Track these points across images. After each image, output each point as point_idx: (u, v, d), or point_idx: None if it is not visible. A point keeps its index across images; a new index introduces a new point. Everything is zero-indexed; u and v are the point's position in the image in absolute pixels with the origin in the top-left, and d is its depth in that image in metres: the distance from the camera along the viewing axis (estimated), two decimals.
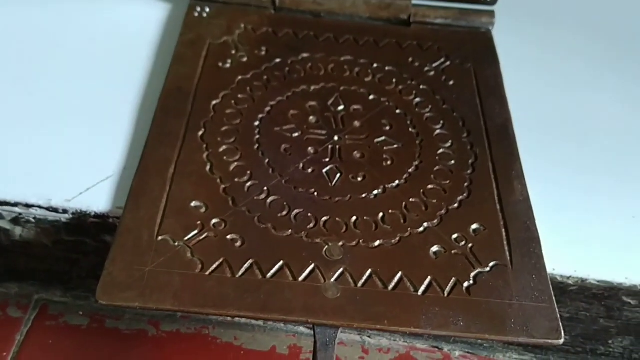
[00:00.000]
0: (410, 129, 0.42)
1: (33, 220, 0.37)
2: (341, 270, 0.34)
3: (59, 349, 0.40)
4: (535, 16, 0.54)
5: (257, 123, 0.41)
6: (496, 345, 0.43)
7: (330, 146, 0.41)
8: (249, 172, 0.38)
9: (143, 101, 0.43)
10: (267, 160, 0.39)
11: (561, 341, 0.32)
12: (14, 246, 0.38)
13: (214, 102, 0.42)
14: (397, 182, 0.39)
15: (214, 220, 0.35)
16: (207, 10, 0.48)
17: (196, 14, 0.48)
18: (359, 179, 0.39)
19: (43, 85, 0.43)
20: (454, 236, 0.36)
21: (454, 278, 0.34)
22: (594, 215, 0.39)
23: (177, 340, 0.42)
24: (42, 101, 0.42)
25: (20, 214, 0.36)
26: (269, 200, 0.37)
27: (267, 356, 0.42)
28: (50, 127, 0.41)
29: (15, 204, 0.36)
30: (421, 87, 0.45)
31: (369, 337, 0.44)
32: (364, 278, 0.33)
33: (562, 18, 0.54)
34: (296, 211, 0.37)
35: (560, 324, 0.32)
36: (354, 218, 0.36)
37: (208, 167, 0.38)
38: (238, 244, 0.35)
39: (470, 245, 0.36)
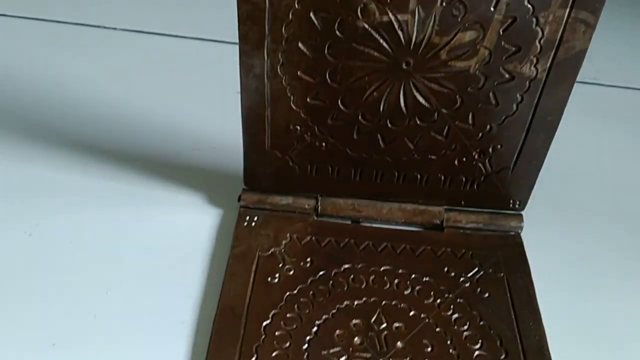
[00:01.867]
0: (450, 350, 0.44)
1: None
2: None
3: None
4: (565, 216, 0.57)
5: (305, 346, 0.44)
6: None
7: None
8: None
9: (198, 321, 0.46)
10: None
11: None
12: None
13: (264, 323, 0.45)
14: None
15: None
16: (256, 219, 0.52)
17: (245, 224, 0.52)
18: None
19: (103, 303, 0.46)
20: None
21: None
22: None
23: None
24: (101, 320, 0.45)
25: None
26: None
27: None
28: (110, 349, 0.43)
29: None
30: (458, 300, 0.48)
31: None
32: None
33: (591, 217, 0.58)
34: None
35: None
36: None
37: None
38: None
39: None
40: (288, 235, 0.51)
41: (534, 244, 0.52)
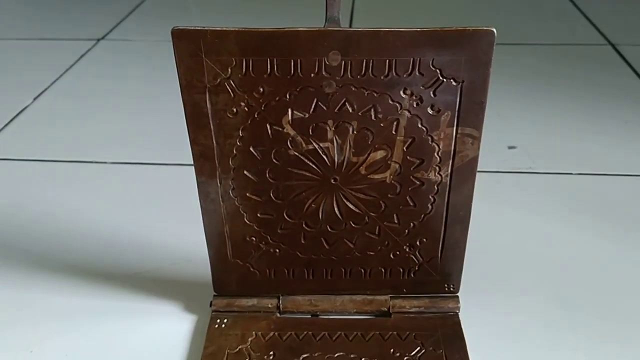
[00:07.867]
0: None
1: None
2: None
3: None
4: (500, 295, 0.65)
5: None
6: None
7: None
8: None
9: None
10: None
11: None
12: None
13: None
14: None
15: None
16: (225, 321, 0.60)
17: (216, 326, 0.59)
18: None
19: None
20: None
21: None
22: None
23: None
24: None
25: None
26: None
27: None
28: None
29: None
30: None
31: None
32: None
33: (523, 296, 0.65)
34: None
35: None
36: None
37: None
38: None
39: None
40: (254, 333, 0.59)
41: (470, 322, 0.60)
